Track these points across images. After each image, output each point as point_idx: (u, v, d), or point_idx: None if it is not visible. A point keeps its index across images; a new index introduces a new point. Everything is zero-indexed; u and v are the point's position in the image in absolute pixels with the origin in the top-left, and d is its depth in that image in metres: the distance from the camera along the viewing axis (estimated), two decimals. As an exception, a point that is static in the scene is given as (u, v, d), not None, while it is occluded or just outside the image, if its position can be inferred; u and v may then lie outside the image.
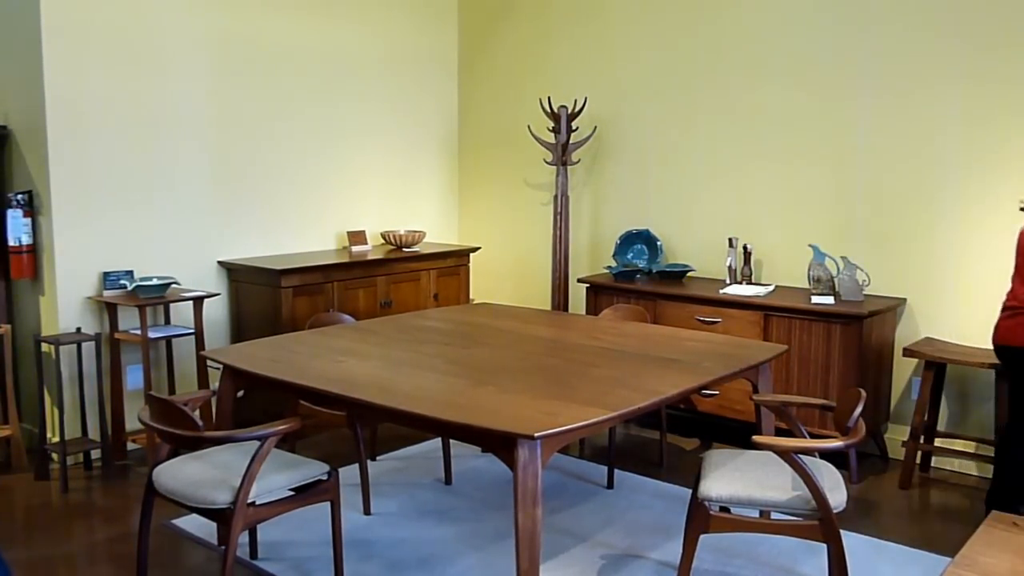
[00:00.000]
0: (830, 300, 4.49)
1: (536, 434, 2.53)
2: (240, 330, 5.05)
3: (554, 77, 5.83)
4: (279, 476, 2.97)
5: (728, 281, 4.96)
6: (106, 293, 4.52)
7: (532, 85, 5.91)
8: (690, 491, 3.06)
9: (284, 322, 4.75)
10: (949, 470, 4.49)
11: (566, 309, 5.56)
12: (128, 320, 4.54)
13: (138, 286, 4.42)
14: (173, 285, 4.60)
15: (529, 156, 5.88)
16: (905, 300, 4.60)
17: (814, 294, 4.60)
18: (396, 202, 6.05)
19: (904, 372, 4.63)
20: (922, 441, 4.30)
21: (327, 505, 3.34)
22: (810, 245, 4.72)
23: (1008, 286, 3.70)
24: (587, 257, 5.83)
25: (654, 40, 5.40)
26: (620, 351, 3.60)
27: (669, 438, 4.84)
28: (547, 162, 5.60)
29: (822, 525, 2.83)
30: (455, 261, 5.79)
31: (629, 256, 5.44)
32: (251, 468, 2.81)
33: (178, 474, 2.98)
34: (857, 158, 4.70)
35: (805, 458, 2.85)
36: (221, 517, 2.87)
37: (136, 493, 4.08)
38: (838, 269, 4.60)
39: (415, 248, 5.65)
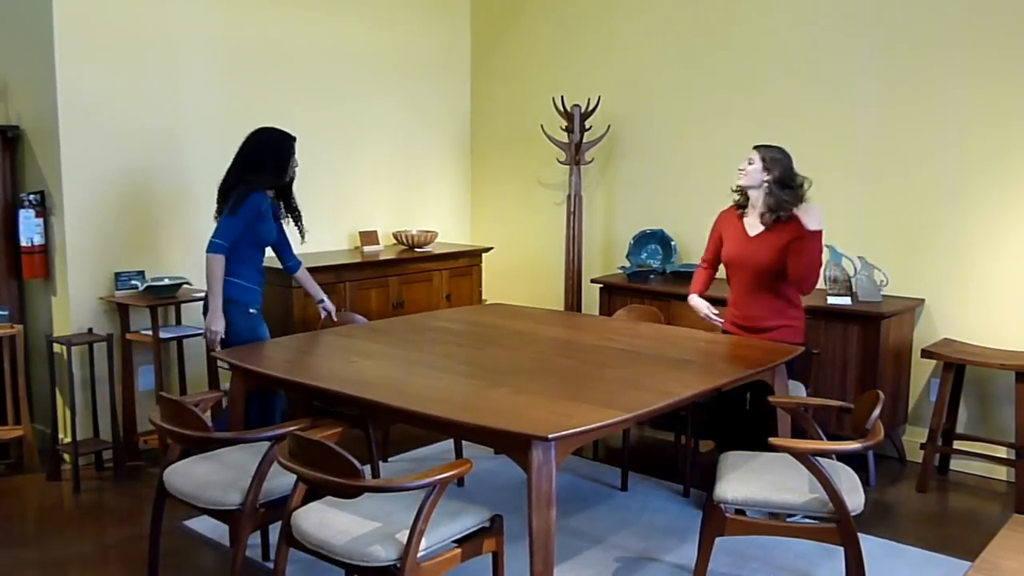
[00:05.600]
0: (847, 301, 4.43)
1: (550, 435, 2.51)
2: (252, 330, 5.03)
3: (567, 76, 5.79)
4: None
5: (743, 281, 4.91)
6: (118, 293, 4.51)
7: (545, 84, 5.87)
8: (705, 493, 3.02)
9: (296, 322, 4.73)
10: (968, 473, 4.43)
11: (579, 310, 5.52)
12: (140, 320, 4.53)
13: (149, 286, 4.42)
14: (184, 285, 4.59)
15: (542, 156, 5.85)
16: (923, 300, 4.55)
17: (831, 294, 4.54)
18: (408, 202, 6.03)
19: (922, 373, 4.58)
20: (940, 443, 4.25)
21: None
22: (827, 245, 4.65)
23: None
24: (600, 257, 5.79)
25: (668, 39, 5.36)
26: (634, 352, 3.56)
27: (683, 439, 4.78)
28: (560, 162, 5.56)
29: (839, 528, 2.80)
30: (467, 261, 5.76)
31: (643, 256, 5.40)
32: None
33: (189, 475, 2.97)
34: (874, 157, 4.65)
35: (822, 460, 2.81)
36: (231, 518, 2.85)
37: (148, 494, 4.05)
38: (855, 269, 4.55)
39: (427, 248, 5.63)
